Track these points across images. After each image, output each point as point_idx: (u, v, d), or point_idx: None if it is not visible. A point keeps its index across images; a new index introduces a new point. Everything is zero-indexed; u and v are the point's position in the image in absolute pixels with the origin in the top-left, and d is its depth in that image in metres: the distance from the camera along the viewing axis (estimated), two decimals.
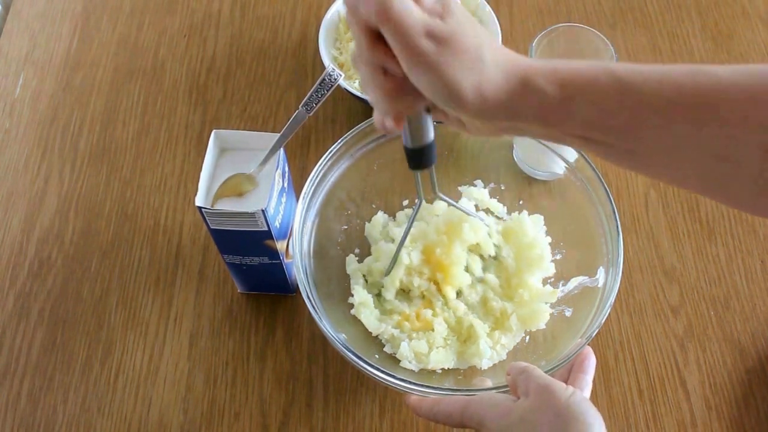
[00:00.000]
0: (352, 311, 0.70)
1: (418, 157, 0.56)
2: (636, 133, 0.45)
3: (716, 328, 0.74)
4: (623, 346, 0.73)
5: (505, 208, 0.77)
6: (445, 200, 0.67)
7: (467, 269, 0.72)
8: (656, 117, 0.44)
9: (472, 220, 0.71)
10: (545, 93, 0.46)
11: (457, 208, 0.70)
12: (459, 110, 0.47)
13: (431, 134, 0.55)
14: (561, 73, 0.46)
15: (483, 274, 0.73)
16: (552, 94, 0.46)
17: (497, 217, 0.77)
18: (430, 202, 0.74)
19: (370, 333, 0.70)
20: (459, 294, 0.72)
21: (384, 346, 0.70)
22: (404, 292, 0.73)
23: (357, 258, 0.75)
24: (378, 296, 0.72)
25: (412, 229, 0.70)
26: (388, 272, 0.71)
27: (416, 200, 0.65)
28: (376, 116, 0.52)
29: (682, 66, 0.44)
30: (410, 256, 0.71)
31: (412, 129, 0.54)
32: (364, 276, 0.73)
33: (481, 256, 0.74)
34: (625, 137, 0.46)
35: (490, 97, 0.46)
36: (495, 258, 0.74)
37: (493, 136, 0.53)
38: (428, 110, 0.53)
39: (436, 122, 0.55)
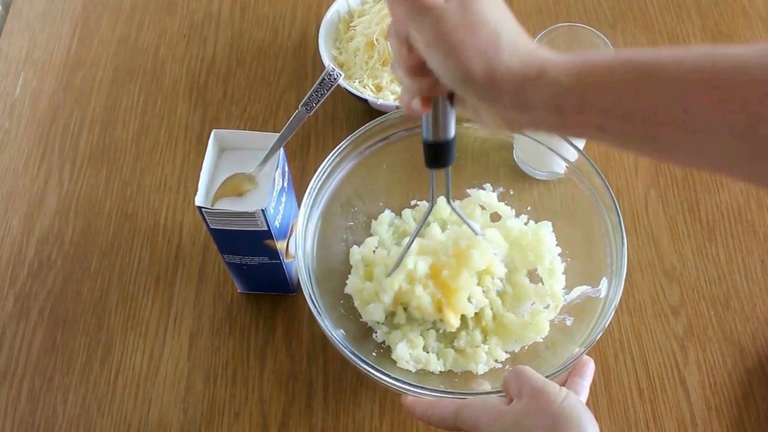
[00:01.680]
0: (346, 289, 0.71)
1: (437, 153, 0.55)
2: (655, 118, 0.44)
3: (716, 328, 0.74)
4: (623, 346, 0.73)
5: (513, 210, 0.77)
6: (456, 212, 0.66)
7: (469, 299, 0.69)
8: (676, 101, 0.43)
9: (481, 245, 0.69)
10: (560, 82, 0.45)
11: (468, 225, 0.69)
12: (467, 88, 0.47)
13: (452, 130, 0.54)
14: (577, 64, 0.45)
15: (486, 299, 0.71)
16: (567, 84, 0.45)
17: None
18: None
19: (368, 331, 0.70)
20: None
21: (382, 343, 0.70)
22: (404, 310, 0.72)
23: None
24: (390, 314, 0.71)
25: (421, 241, 0.69)
26: (389, 273, 0.70)
27: (429, 201, 0.64)
28: (404, 97, 0.52)
29: (697, 47, 0.43)
30: (416, 265, 0.68)
31: (434, 119, 0.53)
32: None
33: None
34: (644, 123, 0.45)
35: (500, 78, 0.46)
36: (501, 280, 0.72)
37: (506, 130, 0.52)
38: (451, 102, 0.52)
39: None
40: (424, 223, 0.67)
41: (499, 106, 0.47)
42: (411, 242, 0.68)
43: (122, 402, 0.71)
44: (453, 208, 0.65)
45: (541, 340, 0.69)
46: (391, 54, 0.52)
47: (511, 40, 0.46)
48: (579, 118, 0.46)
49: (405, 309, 0.70)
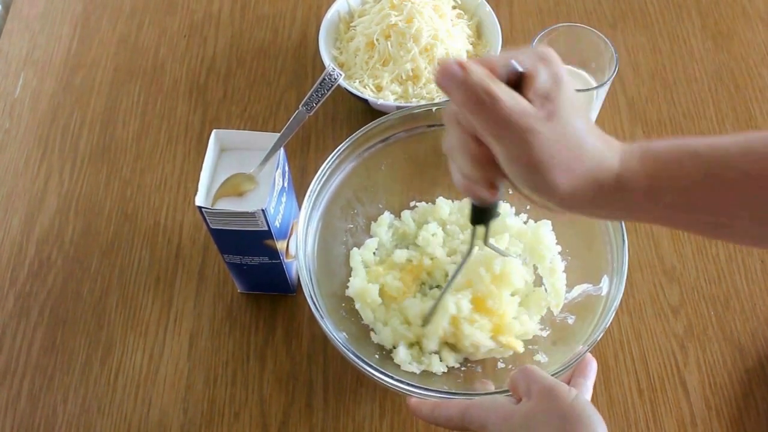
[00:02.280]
0: (348, 292, 0.70)
1: (484, 213, 0.56)
2: (726, 211, 0.45)
3: (716, 328, 0.74)
4: (623, 346, 0.73)
5: (513, 208, 0.77)
6: (495, 249, 0.66)
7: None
8: (748, 195, 0.44)
9: (513, 264, 0.69)
10: (634, 189, 0.46)
11: (501, 252, 0.68)
12: (545, 199, 0.47)
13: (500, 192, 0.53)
14: (648, 164, 0.46)
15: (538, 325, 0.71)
16: (640, 189, 0.46)
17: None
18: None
19: (369, 332, 0.70)
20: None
21: (383, 346, 0.70)
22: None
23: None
24: (414, 345, 0.70)
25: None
26: (427, 321, 0.68)
27: (469, 249, 0.62)
28: (463, 183, 0.50)
29: (760, 135, 0.44)
30: (459, 305, 0.67)
31: None
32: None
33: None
34: (714, 215, 0.46)
35: (581, 195, 0.46)
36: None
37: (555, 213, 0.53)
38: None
39: None
40: (461, 267, 0.65)
41: (569, 209, 0.48)
42: (448, 287, 0.67)
43: (122, 402, 0.71)
44: (492, 246, 0.65)
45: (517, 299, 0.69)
46: (447, 139, 0.49)
47: (593, 149, 0.46)
48: (646, 214, 0.48)
49: (449, 344, 0.70)
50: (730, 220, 0.46)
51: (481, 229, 0.58)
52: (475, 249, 0.65)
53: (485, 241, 0.61)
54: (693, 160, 0.45)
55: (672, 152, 0.46)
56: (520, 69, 0.45)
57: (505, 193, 0.55)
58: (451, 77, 0.44)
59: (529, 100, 0.44)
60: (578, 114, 0.46)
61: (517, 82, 0.45)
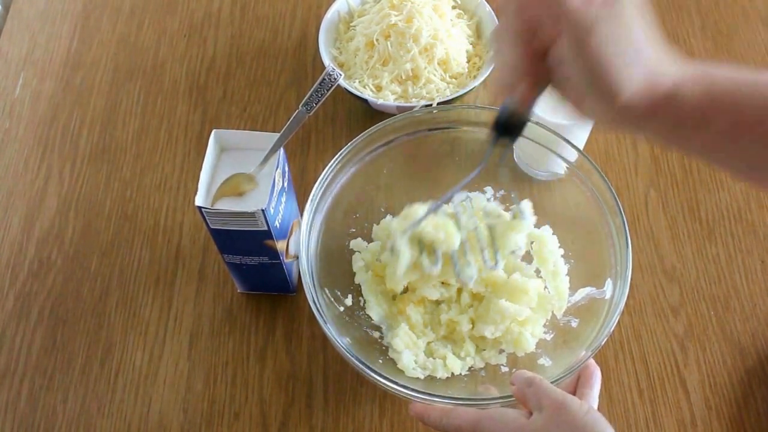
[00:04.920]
0: (356, 279, 0.71)
1: (509, 125, 0.52)
2: None
3: (716, 328, 0.74)
4: (623, 346, 0.73)
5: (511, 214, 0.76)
6: (505, 179, 0.63)
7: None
8: None
9: (531, 282, 0.69)
10: (687, 107, 0.45)
11: (512, 198, 0.65)
12: (603, 103, 0.45)
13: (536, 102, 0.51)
14: (705, 84, 0.45)
15: None
16: (694, 108, 0.45)
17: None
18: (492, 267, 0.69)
19: (373, 337, 0.70)
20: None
21: (387, 350, 0.69)
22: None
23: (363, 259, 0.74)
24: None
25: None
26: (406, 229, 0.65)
27: (483, 162, 0.58)
28: (504, 79, 0.49)
29: None
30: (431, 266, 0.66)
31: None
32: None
33: None
34: (757, 145, 0.45)
35: (635, 100, 0.45)
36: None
37: (603, 125, 0.51)
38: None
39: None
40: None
41: (620, 116, 0.47)
42: (431, 210, 0.65)
43: (122, 402, 0.71)
44: (502, 170, 0.62)
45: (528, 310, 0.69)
46: (499, 27, 0.47)
47: (654, 55, 0.45)
48: (692, 138, 0.47)
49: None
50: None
51: (500, 147, 0.54)
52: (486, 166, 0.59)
53: (501, 158, 0.56)
54: (750, 88, 0.45)
55: (730, 78, 0.45)
56: None
57: (506, 198, 0.52)
58: None
59: None
60: (640, 19, 0.45)
61: None
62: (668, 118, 0.46)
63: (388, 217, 0.77)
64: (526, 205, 0.68)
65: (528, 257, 0.73)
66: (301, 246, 0.66)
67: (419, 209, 0.67)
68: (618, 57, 0.44)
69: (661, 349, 0.73)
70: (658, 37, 0.46)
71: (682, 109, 0.45)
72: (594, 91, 0.45)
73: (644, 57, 0.45)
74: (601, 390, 0.70)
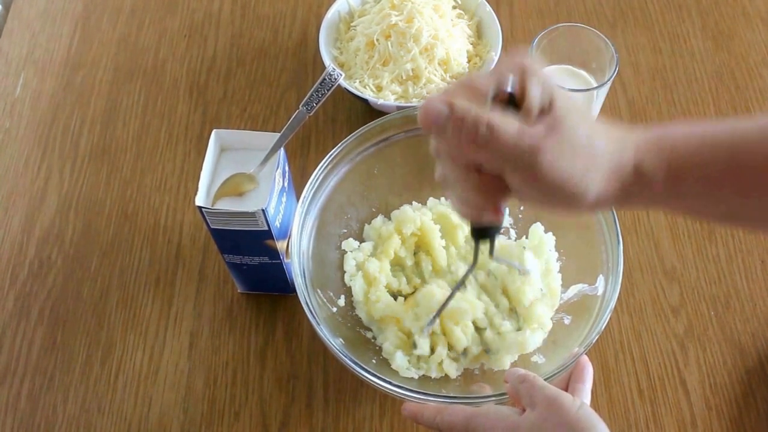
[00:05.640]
0: (346, 281, 0.71)
1: (487, 230, 0.54)
2: (743, 195, 0.45)
3: (716, 328, 0.74)
4: (623, 346, 0.73)
5: (507, 209, 0.76)
6: (503, 261, 0.66)
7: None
8: (765, 179, 0.44)
9: (530, 281, 0.69)
10: (654, 182, 0.45)
11: (515, 267, 0.68)
12: (570, 210, 0.46)
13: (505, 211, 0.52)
14: (666, 154, 0.45)
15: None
16: (660, 180, 0.45)
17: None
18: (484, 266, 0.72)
19: (366, 337, 0.70)
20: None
21: (381, 350, 0.69)
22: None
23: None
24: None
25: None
26: (430, 323, 0.67)
27: (472, 263, 0.59)
28: (469, 212, 0.50)
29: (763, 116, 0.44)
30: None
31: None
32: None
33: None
34: (730, 201, 0.46)
35: (603, 197, 0.45)
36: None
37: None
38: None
39: None
40: (464, 280, 0.64)
41: (595, 210, 0.49)
42: (452, 295, 0.65)
43: (122, 402, 0.71)
44: (499, 260, 0.65)
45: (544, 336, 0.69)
46: (441, 171, 0.48)
47: (606, 150, 0.45)
48: (669, 204, 0.48)
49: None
50: (751, 207, 0.45)
51: (485, 245, 0.55)
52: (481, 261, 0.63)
53: (491, 255, 0.57)
54: (712, 148, 0.44)
55: (689, 140, 0.45)
56: (510, 89, 0.43)
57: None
58: (437, 117, 0.42)
59: (526, 119, 0.43)
60: (581, 118, 0.45)
61: (507, 101, 0.44)
62: (640, 198, 0.47)
63: (380, 217, 0.76)
64: (532, 265, 0.70)
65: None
66: (293, 247, 0.66)
67: (434, 291, 0.69)
68: (572, 169, 0.43)
69: (661, 349, 0.73)
70: (601, 121, 0.46)
71: (650, 187, 0.46)
72: (559, 203, 0.46)
73: (598, 152, 0.44)
74: (601, 390, 0.70)
